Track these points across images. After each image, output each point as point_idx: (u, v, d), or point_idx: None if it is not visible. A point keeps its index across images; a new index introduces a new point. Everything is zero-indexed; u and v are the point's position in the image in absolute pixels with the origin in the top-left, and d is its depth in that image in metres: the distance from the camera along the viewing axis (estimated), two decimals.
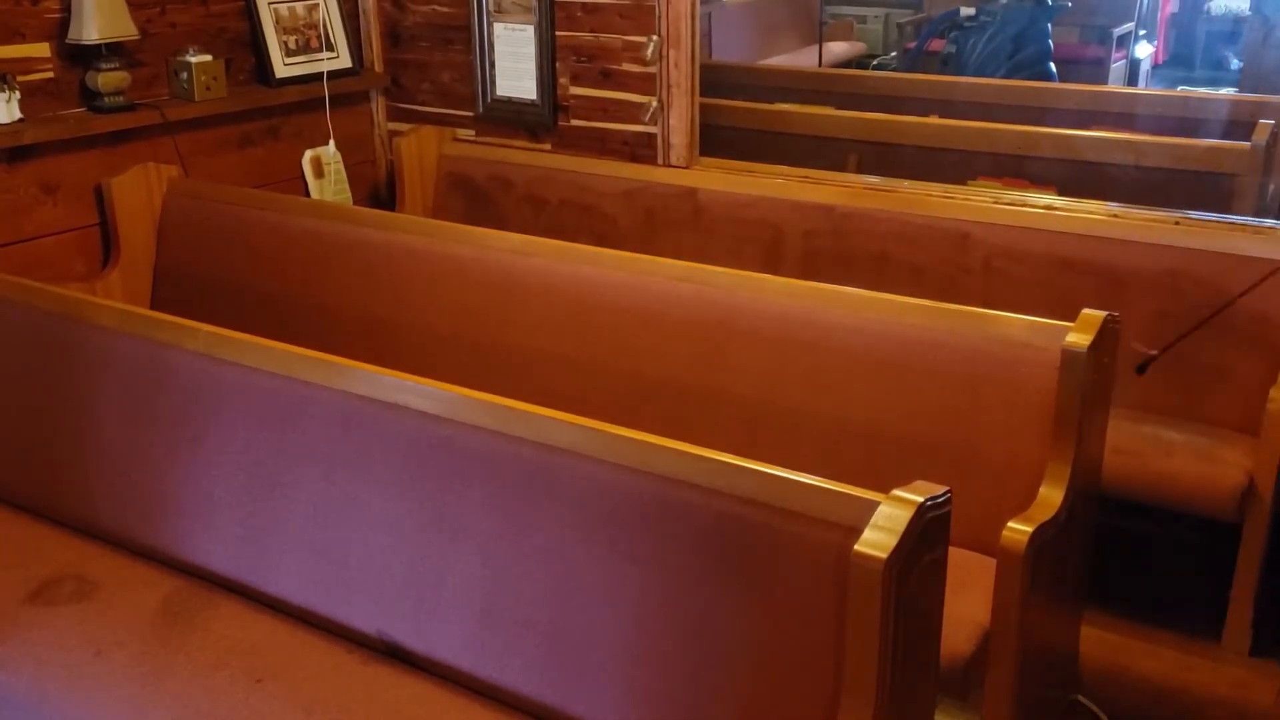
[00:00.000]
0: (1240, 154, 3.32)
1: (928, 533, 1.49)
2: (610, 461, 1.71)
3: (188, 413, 2.20)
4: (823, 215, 3.03)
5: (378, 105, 3.76)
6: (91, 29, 2.90)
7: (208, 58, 3.20)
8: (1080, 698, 2.43)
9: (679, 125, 3.25)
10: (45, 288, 2.51)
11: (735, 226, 3.13)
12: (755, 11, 6.27)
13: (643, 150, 3.31)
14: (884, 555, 1.45)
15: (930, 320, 2.23)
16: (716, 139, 3.40)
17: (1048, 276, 2.78)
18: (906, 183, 3.08)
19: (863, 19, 6.78)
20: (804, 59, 6.27)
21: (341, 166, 3.60)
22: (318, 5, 3.52)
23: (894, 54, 6.42)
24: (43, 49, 2.96)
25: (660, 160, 3.30)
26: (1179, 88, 6.68)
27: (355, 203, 3.65)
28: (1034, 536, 1.90)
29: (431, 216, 3.52)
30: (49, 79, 2.98)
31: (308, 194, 3.53)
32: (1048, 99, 4.03)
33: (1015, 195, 2.98)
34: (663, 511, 1.67)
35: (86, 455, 2.33)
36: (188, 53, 3.19)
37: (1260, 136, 3.41)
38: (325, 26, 3.54)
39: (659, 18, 3.17)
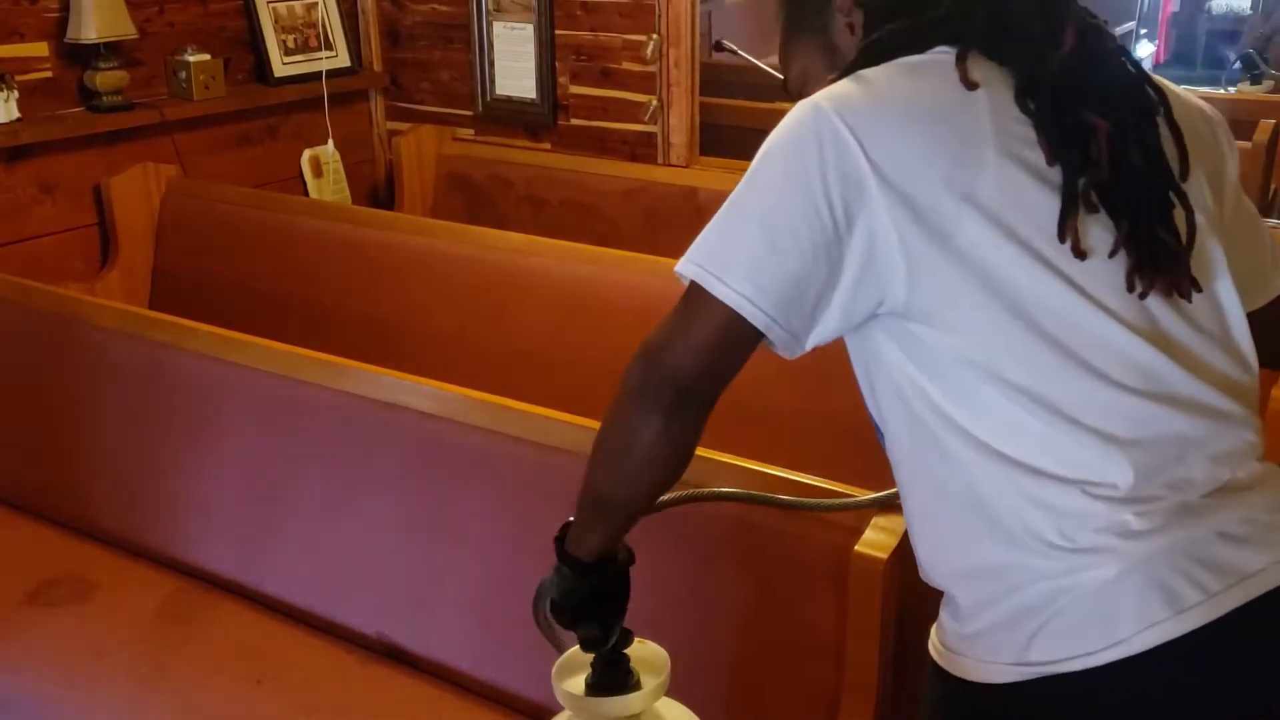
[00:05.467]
0: (1240, 154, 3.31)
1: None
2: None
3: (187, 413, 2.19)
4: None
5: (376, 104, 3.76)
6: (90, 28, 2.89)
7: (206, 57, 3.20)
8: None
9: (679, 124, 3.25)
10: (44, 288, 2.51)
11: None
12: (755, 10, 6.26)
13: (643, 149, 3.31)
14: (884, 556, 1.45)
15: None
16: (717, 138, 3.40)
17: None
18: None
19: None
20: None
21: (340, 166, 3.59)
22: (316, 4, 3.51)
23: None
24: (41, 48, 2.96)
25: (660, 159, 3.29)
26: (1180, 87, 6.67)
27: (354, 202, 3.64)
28: None
29: (431, 216, 3.51)
30: (47, 78, 2.97)
31: (306, 193, 3.52)
32: None
33: None
34: (662, 511, 1.66)
35: (86, 456, 2.33)
36: (186, 52, 3.18)
37: (1261, 136, 3.41)
38: (324, 25, 3.53)
39: (659, 16, 3.17)
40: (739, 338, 1.06)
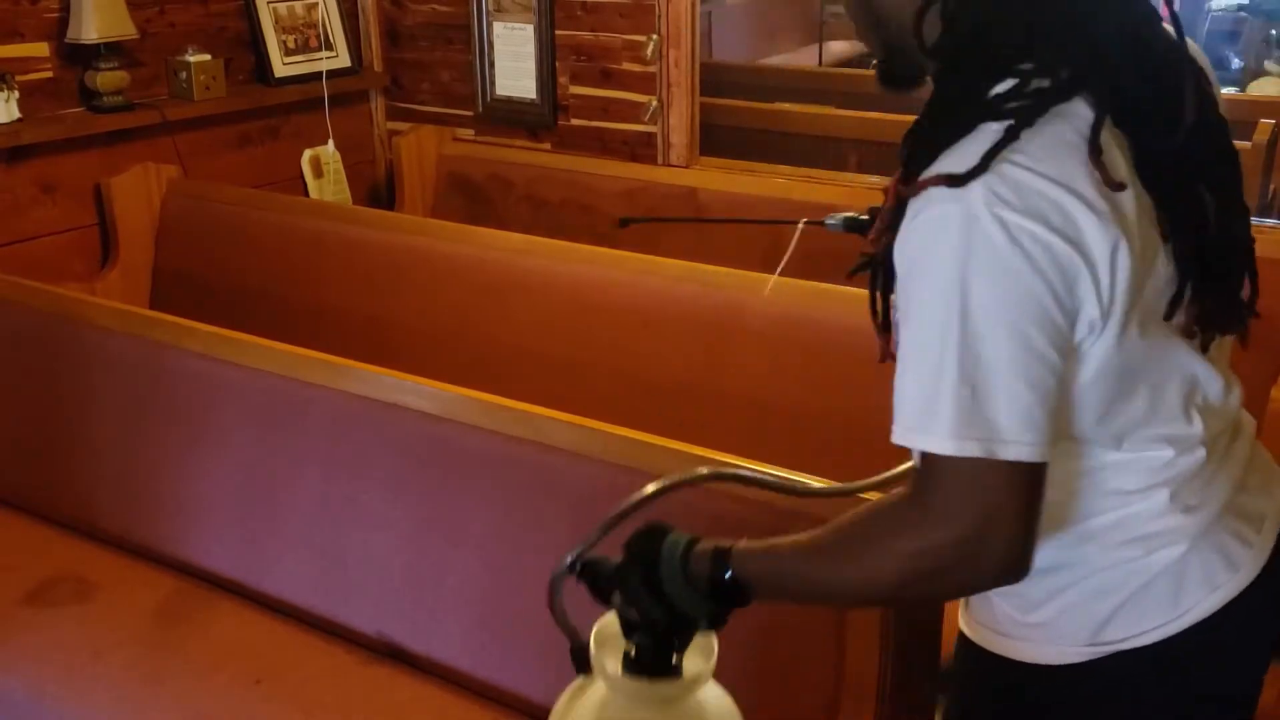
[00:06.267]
0: (1240, 153, 3.31)
1: None
2: (610, 461, 1.71)
3: (187, 413, 2.19)
4: (824, 215, 3.02)
5: (377, 105, 3.76)
6: (90, 28, 2.90)
7: (207, 57, 3.20)
8: None
9: (679, 124, 3.25)
10: (44, 288, 2.51)
11: (735, 226, 3.13)
12: (755, 10, 6.26)
13: (643, 150, 3.31)
14: None
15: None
16: (717, 138, 3.40)
17: None
18: None
19: None
20: (804, 58, 6.26)
21: (340, 166, 3.59)
22: (317, 4, 3.51)
23: None
24: (41, 48, 2.96)
25: (660, 160, 3.29)
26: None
27: (354, 203, 3.65)
28: None
29: (431, 216, 3.51)
30: (48, 78, 2.98)
31: (307, 194, 3.53)
32: None
33: None
34: (662, 511, 1.66)
35: (86, 456, 2.33)
36: (187, 52, 3.18)
37: (1260, 136, 3.40)
38: (324, 25, 3.53)
39: (659, 17, 3.17)
40: (1039, 480, 0.98)
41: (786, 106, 3.93)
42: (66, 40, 2.94)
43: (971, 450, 0.94)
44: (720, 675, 1.65)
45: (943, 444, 0.95)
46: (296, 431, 2.05)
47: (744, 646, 1.62)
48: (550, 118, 3.44)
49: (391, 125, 3.75)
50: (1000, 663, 1.16)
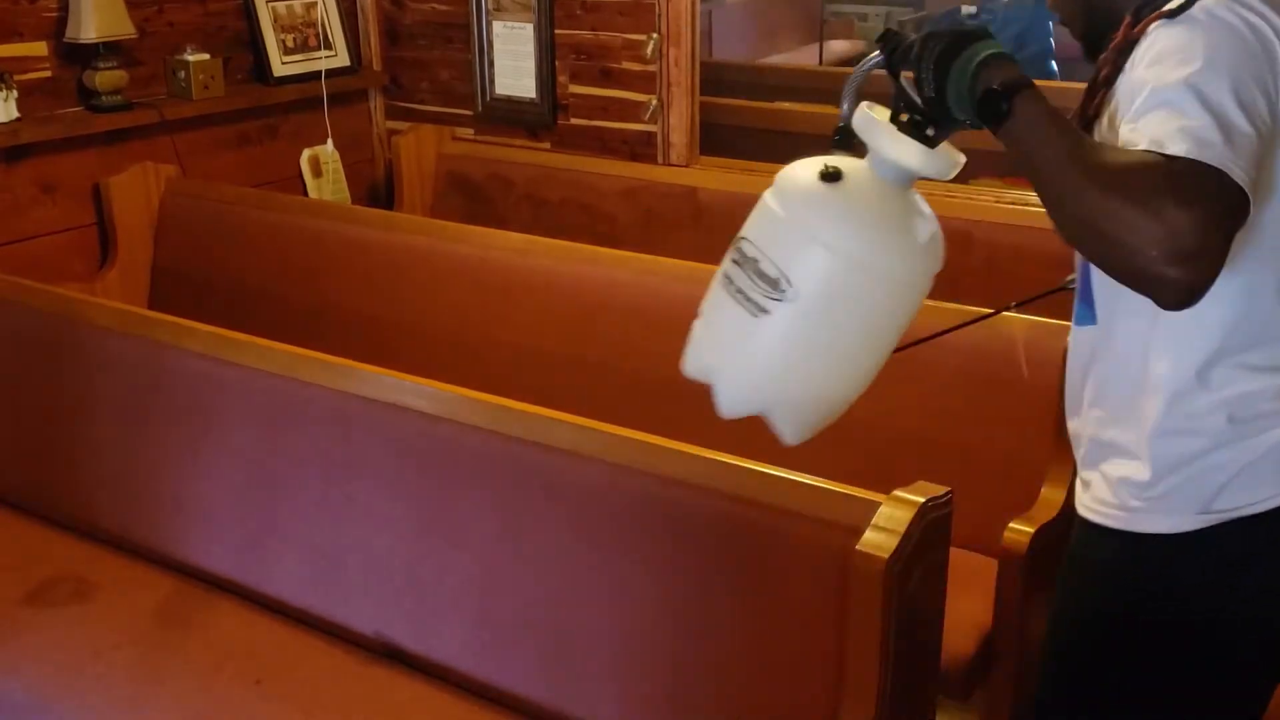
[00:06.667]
0: None
1: (929, 533, 1.48)
2: (610, 461, 1.70)
3: (186, 413, 2.19)
4: None
5: (376, 104, 3.75)
6: (89, 28, 2.89)
7: (205, 56, 3.19)
8: None
9: (679, 124, 3.25)
10: (43, 288, 2.50)
11: (736, 225, 3.11)
12: (756, 9, 6.26)
13: (643, 149, 3.31)
14: (885, 556, 1.44)
15: (932, 320, 2.22)
16: (717, 138, 3.39)
17: (1051, 275, 2.77)
18: None
19: (863, 17, 6.77)
20: (804, 57, 6.26)
21: (340, 166, 3.59)
22: (316, 3, 3.51)
23: None
24: (40, 48, 2.95)
25: (660, 159, 3.29)
26: None
27: (353, 202, 3.64)
28: (1036, 537, 1.90)
29: (430, 216, 3.51)
30: (46, 78, 2.97)
31: (306, 193, 3.52)
32: (1049, 98, 4.01)
33: (1018, 194, 2.97)
34: (662, 512, 1.66)
35: (85, 456, 2.33)
36: (185, 51, 3.18)
37: None
38: (323, 25, 3.53)
39: (659, 16, 3.17)
40: (1242, 216, 1.10)
41: (787, 106, 3.92)
42: (65, 39, 2.94)
43: (1211, 157, 1.07)
44: (722, 675, 1.65)
45: (1186, 150, 1.08)
46: (296, 431, 2.05)
47: (744, 646, 1.62)
48: (550, 117, 3.43)
49: (391, 124, 3.75)
50: (1120, 538, 1.31)
